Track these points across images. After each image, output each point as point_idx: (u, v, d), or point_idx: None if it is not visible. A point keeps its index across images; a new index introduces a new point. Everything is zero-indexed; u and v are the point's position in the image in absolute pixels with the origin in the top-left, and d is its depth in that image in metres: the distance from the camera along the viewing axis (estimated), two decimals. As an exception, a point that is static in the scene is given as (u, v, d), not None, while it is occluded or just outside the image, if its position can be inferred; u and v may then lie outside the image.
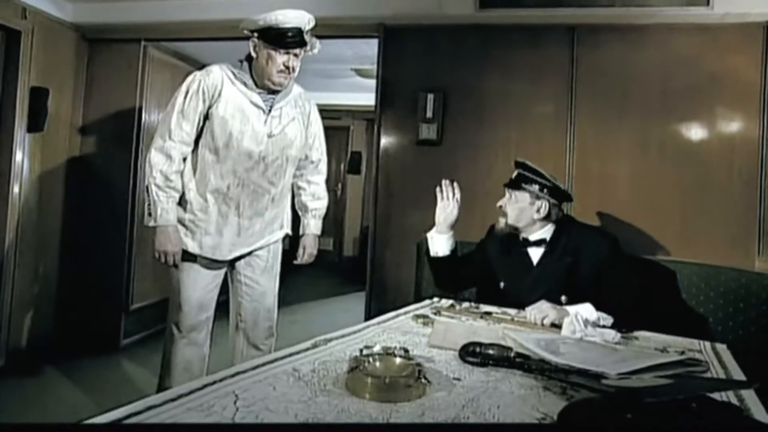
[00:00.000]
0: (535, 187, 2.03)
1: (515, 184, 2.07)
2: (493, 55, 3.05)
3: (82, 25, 3.51)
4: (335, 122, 7.12)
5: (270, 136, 2.21)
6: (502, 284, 2.13)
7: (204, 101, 2.15)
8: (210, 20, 3.25)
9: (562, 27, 2.94)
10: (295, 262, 2.49)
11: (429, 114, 3.08)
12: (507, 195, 2.10)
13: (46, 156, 3.39)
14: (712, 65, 2.77)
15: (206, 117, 2.17)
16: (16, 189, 3.19)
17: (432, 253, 2.20)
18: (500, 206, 2.11)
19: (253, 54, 2.18)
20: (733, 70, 2.74)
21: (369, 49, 3.73)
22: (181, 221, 2.22)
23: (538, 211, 2.03)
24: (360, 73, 5.16)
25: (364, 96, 6.03)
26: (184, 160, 2.22)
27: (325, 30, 3.25)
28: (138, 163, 3.54)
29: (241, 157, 2.18)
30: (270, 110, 2.21)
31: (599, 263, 1.94)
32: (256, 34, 2.15)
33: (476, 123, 3.07)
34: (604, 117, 2.90)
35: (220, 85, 2.15)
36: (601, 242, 2.01)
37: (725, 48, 2.76)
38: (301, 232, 2.53)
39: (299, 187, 2.51)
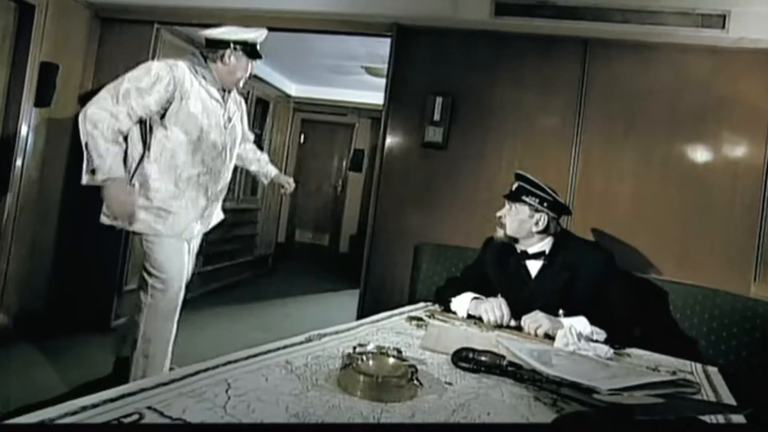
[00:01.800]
0: (535, 200, 2.04)
1: (515, 196, 2.08)
2: (504, 63, 3.06)
3: (96, 3, 3.50)
4: (340, 118, 7.10)
5: (225, 127, 2.48)
6: (499, 296, 2.12)
7: (168, 96, 2.28)
8: (225, 8, 3.23)
9: (575, 40, 2.94)
10: (286, 192, 2.98)
11: (436, 117, 3.08)
12: (507, 206, 2.11)
13: (51, 132, 3.38)
14: (722, 89, 2.77)
15: (165, 111, 2.30)
16: (18, 162, 3.19)
17: (452, 309, 2.06)
18: (499, 217, 2.12)
19: (227, 60, 2.39)
20: (742, 95, 2.75)
21: (381, 47, 3.73)
22: (147, 209, 2.35)
23: (537, 223, 2.04)
24: (370, 71, 5.16)
25: (372, 94, 6.04)
26: (125, 138, 2.31)
27: (339, 26, 3.28)
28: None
29: (209, 149, 2.41)
30: (226, 104, 2.47)
31: (596, 279, 1.96)
32: (235, 45, 2.39)
33: (483, 130, 3.07)
34: (611, 133, 2.90)
35: (188, 82, 2.33)
36: (598, 258, 2.02)
37: (736, 72, 2.76)
38: (269, 179, 2.96)
39: (243, 158, 2.84)
